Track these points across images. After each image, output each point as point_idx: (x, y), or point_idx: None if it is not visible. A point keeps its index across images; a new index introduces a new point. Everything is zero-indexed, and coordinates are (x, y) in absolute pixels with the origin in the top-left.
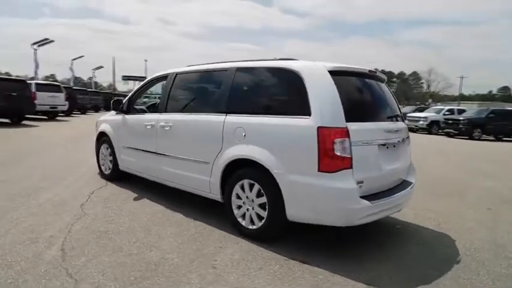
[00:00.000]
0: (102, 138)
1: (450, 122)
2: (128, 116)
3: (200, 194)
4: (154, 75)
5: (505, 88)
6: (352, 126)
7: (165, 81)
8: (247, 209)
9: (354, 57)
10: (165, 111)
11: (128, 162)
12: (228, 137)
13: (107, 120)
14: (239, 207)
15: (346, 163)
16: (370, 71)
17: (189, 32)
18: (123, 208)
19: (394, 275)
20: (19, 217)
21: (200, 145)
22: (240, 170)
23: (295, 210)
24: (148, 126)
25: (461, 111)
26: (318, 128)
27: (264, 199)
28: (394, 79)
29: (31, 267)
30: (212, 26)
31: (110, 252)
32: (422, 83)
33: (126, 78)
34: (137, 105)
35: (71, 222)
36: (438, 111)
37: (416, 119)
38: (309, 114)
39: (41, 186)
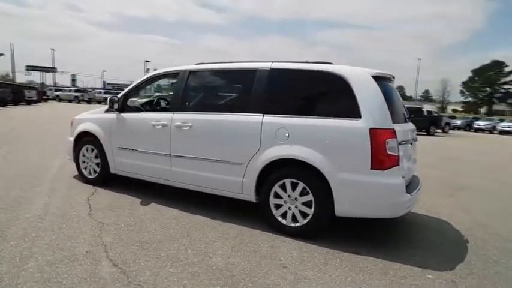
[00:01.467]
0: (84, 139)
1: None
2: (125, 115)
3: (228, 195)
4: (159, 71)
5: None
6: (396, 127)
7: (173, 79)
8: (289, 208)
9: (274, 56)
10: (180, 110)
11: (126, 165)
12: (268, 137)
13: (92, 118)
14: (278, 206)
15: (395, 161)
16: (392, 76)
17: (100, 21)
18: (138, 214)
19: (435, 257)
20: (28, 233)
21: (230, 146)
22: (280, 169)
23: (345, 206)
24: (158, 126)
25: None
26: (371, 129)
27: (309, 197)
28: None
29: None
30: (125, 16)
31: (171, 263)
32: None
33: (31, 68)
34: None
35: (96, 234)
36: None
37: None
38: (359, 116)
39: (17, 195)
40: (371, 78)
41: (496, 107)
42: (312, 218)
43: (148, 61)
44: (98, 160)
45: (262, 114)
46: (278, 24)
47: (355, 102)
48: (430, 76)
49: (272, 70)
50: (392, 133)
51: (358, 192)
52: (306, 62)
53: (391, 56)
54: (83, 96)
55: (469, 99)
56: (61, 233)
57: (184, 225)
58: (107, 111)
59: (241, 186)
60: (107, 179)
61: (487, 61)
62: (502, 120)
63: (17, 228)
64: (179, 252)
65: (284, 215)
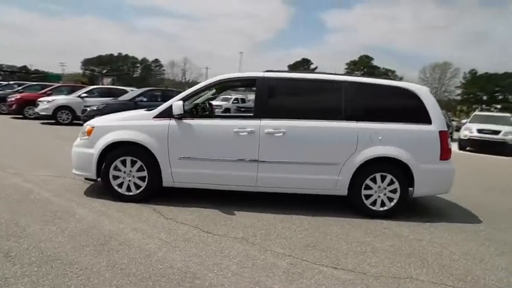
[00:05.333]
0: (117, 151)
1: (242, 109)
2: (190, 122)
3: (319, 192)
4: (227, 76)
5: None
6: None
7: (241, 85)
8: (379, 196)
9: (93, 40)
10: (268, 117)
11: (191, 176)
12: (363, 140)
13: (135, 126)
14: (368, 196)
15: (451, 153)
16: None
17: None
18: (250, 224)
19: (463, 217)
20: (209, 264)
21: (328, 149)
22: (372, 166)
23: (421, 189)
24: (242, 133)
25: (243, 100)
26: (440, 131)
27: (395, 186)
28: (138, 65)
29: None
30: None
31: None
32: (164, 70)
33: None
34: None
35: (284, 252)
36: (227, 100)
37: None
38: (430, 123)
39: (76, 227)
40: (430, 93)
41: None
42: (398, 201)
43: None
44: (143, 173)
45: (356, 121)
46: (96, 5)
47: (427, 112)
48: (252, 68)
49: (359, 84)
50: (448, 134)
51: (431, 178)
52: (373, 76)
53: (214, 47)
54: None
55: None
56: (238, 256)
57: (303, 225)
58: (157, 116)
59: (336, 183)
60: (152, 194)
61: (292, 57)
62: None
63: (173, 262)
64: (352, 246)
65: (373, 202)
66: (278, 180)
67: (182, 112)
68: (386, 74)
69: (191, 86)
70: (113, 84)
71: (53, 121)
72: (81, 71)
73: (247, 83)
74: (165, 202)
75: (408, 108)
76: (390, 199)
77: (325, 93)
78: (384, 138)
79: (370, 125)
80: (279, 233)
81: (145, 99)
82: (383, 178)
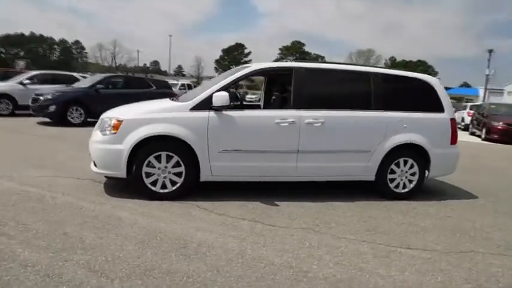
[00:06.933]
0: (151, 145)
1: None
2: (231, 113)
3: (349, 179)
4: (266, 66)
5: (156, 62)
6: None
7: (282, 75)
8: (401, 179)
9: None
10: (307, 107)
11: (231, 169)
12: (391, 128)
13: (171, 119)
14: (392, 180)
15: (458, 138)
16: None
17: None
18: (307, 215)
19: (459, 194)
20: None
21: (362, 137)
22: (397, 151)
23: (435, 171)
24: (283, 124)
25: (189, 86)
26: (450, 119)
27: (415, 169)
28: (56, 47)
29: None
30: None
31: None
32: (87, 53)
33: None
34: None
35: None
36: (174, 85)
37: None
38: (443, 111)
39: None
40: (440, 84)
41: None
42: (416, 183)
43: None
44: (180, 169)
45: (384, 110)
46: None
47: (440, 101)
48: (182, 51)
49: (386, 75)
50: (455, 120)
51: (443, 160)
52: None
53: (140, 29)
54: None
55: None
56: (321, 246)
57: (347, 211)
58: (195, 108)
59: (366, 169)
60: (188, 190)
61: (224, 41)
62: None
63: (270, 258)
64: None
65: (397, 186)
66: (316, 169)
67: (228, 103)
68: (317, 59)
69: (123, 70)
70: (26, 68)
71: None
72: None
73: (282, 73)
74: (202, 198)
75: (426, 98)
76: (410, 181)
77: (357, 84)
78: (408, 126)
79: (397, 114)
80: (335, 221)
81: (106, 87)
82: (405, 163)
